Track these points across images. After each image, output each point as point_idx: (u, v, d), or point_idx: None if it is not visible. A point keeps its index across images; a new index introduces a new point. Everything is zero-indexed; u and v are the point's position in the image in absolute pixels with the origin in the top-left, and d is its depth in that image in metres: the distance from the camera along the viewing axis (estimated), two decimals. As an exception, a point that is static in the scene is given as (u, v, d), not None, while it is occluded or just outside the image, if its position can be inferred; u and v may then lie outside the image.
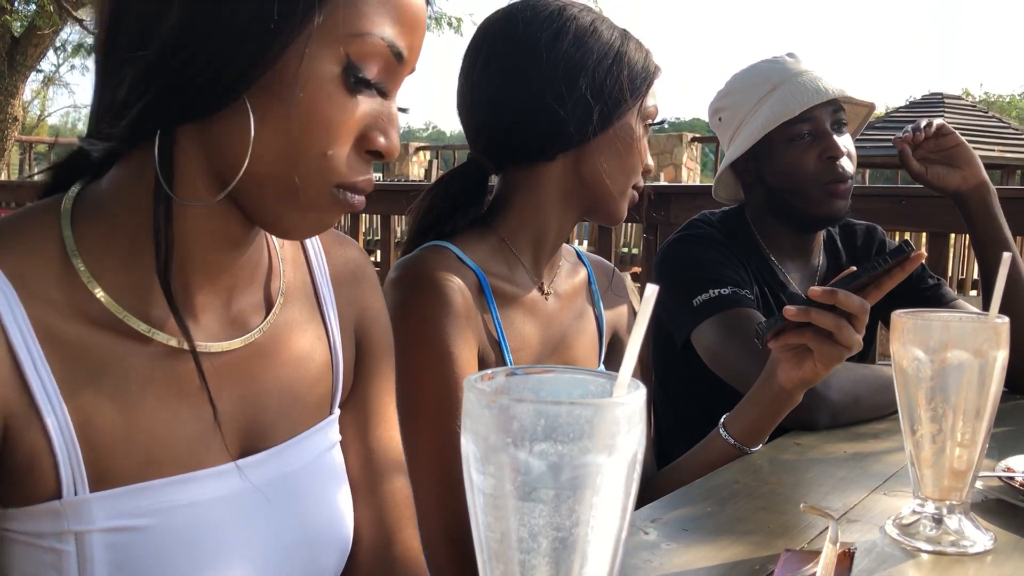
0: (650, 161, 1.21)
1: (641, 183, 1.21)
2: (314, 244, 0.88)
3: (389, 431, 0.90)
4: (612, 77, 1.13)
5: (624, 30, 1.18)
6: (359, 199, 0.72)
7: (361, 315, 0.90)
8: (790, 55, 1.64)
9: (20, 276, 0.67)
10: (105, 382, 0.69)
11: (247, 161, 0.66)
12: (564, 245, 1.29)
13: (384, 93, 0.71)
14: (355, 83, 0.68)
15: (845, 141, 1.58)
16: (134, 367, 0.70)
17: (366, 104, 0.69)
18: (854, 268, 1.10)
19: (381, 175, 11.93)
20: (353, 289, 0.89)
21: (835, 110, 1.58)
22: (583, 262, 1.35)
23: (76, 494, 0.67)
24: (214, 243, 0.72)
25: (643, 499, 1.08)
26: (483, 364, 1.12)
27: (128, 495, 0.68)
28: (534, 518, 0.49)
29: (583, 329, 1.28)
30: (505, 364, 1.13)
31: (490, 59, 1.16)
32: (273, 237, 0.82)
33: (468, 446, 0.51)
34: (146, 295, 0.71)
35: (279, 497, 0.78)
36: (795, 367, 1.11)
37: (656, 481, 1.28)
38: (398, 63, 0.70)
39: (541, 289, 1.22)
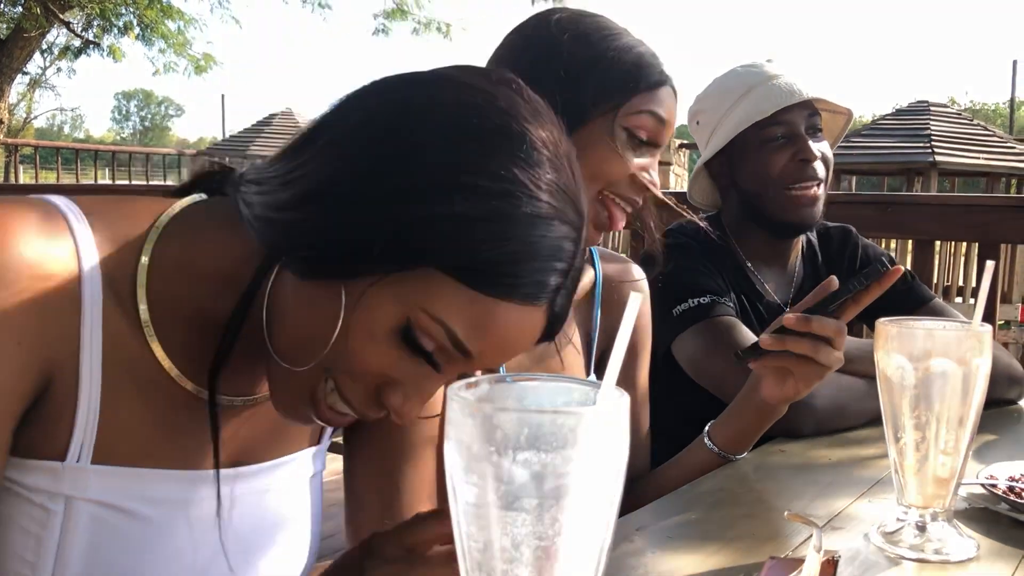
0: (650, 176, 1.12)
1: (621, 197, 1.13)
2: None
3: (421, 467, 0.92)
4: (583, 80, 1.10)
5: (624, 42, 1.13)
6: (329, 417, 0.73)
7: None
8: (768, 60, 1.65)
9: (108, 260, 0.72)
10: (138, 380, 0.73)
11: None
12: None
13: (435, 366, 0.69)
14: (405, 343, 0.67)
15: (820, 146, 1.58)
16: (162, 385, 0.75)
17: (407, 364, 0.69)
18: (834, 278, 1.10)
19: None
20: None
21: (810, 115, 1.58)
22: (593, 266, 1.31)
23: (79, 461, 0.71)
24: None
25: (629, 500, 1.08)
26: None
27: (125, 476, 0.72)
28: (517, 527, 0.49)
29: (570, 336, 1.27)
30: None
31: (494, 58, 1.18)
32: None
33: (451, 455, 0.50)
34: (192, 350, 0.75)
35: (251, 512, 0.82)
36: (777, 384, 1.12)
37: (640, 485, 1.28)
38: (457, 353, 0.68)
39: None
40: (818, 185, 1.58)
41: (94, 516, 0.71)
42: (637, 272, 1.35)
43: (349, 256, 0.66)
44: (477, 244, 0.65)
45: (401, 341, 0.67)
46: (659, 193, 1.14)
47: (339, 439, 0.96)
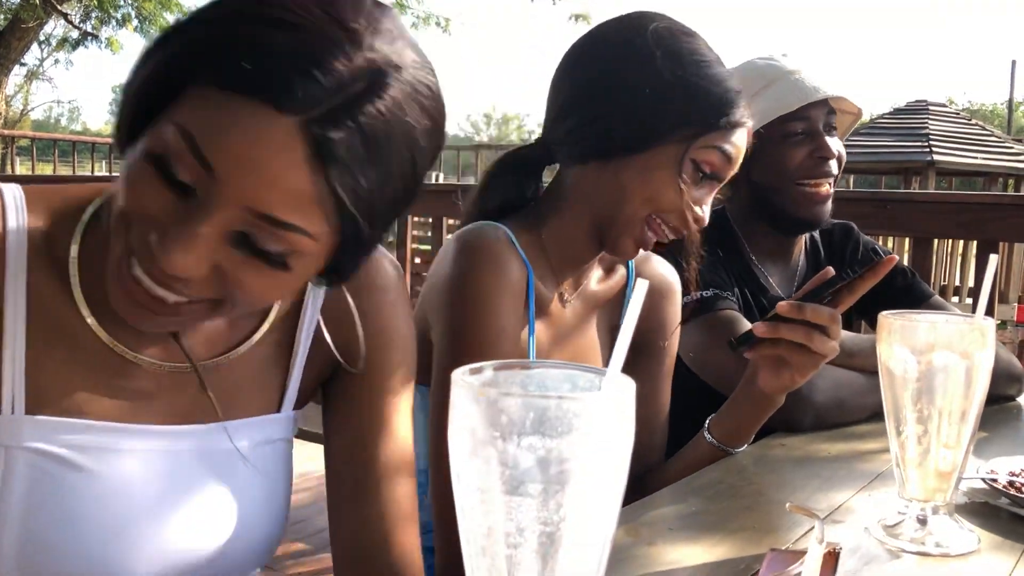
0: (700, 211, 1.11)
1: (668, 225, 1.12)
2: None
3: (397, 442, 0.89)
4: (667, 103, 1.08)
5: (714, 72, 1.10)
6: None
7: (368, 325, 0.87)
8: (783, 55, 1.65)
9: (37, 231, 0.76)
10: (66, 345, 0.77)
11: None
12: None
13: (181, 188, 0.66)
14: (153, 166, 0.65)
15: (835, 144, 1.59)
16: (91, 347, 0.77)
17: (161, 197, 0.67)
18: (830, 268, 1.11)
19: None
20: (359, 296, 0.87)
21: (828, 112, 1.58)
22: (627, 266, 1.30)
23: (13, 412, 0.74)
24: None
25: (638, 492, 1.08)
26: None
27: (61, 426, 0.75)
28: (521, 512, 0.48)
29: (593, 339, 1.26)
30: (530, 354, 1.12)
31: (579, 49, 1.16)
32: None
33: (455, 439, 0.50)
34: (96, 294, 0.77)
35: (204, 472, 0.82)
36: (774, 374, 1.12)
37: (649, 478, 1.27)
38: (199, 166, 0.65)
39: (561, 296, 1.21)
40: (831, 183, 1.58)
41: (30, 463, 0.74)
42: (670, 272, 1.33)
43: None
44: (215, 44, 0.64)
45: (151, 166, 0.65)
46: (703, 226, 1.13)
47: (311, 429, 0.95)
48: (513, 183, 1.20)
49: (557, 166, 1.20)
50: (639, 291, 0.54)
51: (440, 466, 1.06)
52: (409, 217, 3.96)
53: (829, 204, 1.60)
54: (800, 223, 1.62)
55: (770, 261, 1.67)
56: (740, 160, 1.13)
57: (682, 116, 1.08)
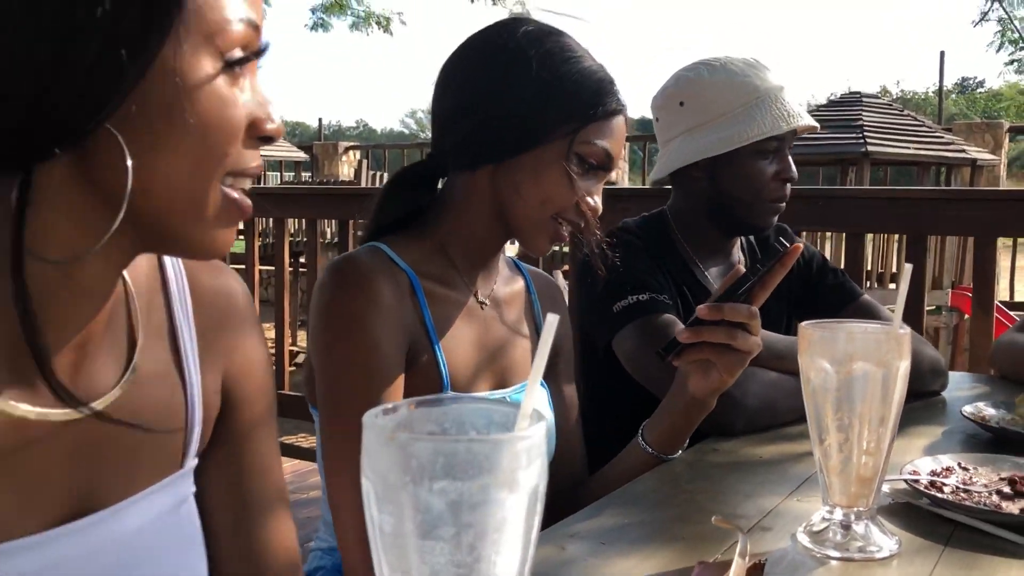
0: (593, 202, 1.17)
1: (568, 221, 1.17)
2: (177, 276, 0.79)
3: (271, 479, 0.85)
4: (546, 101, 1.12)
5: (586, 66, 1.15)
6: (247, 202, 0.67)
7: (232, 359, 0.82)
8: (756, 60, 1.66)
9: None
10: None
11: (128, 192, 0.60)
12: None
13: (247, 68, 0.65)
14: (234, 74, 0.63)
15: (792, 163, 1.64)
16: None
17: (247, 91, 0.65)
18: (740, 267, 1.14)
19: (310, 175, 11.76)
20: (222, 330, 0.81)
21: (792, 132, 1.62)
22: (521, 272, 1.34)
23: None
24: (72, 297, 0.64)
25: (571, 505, 1.09)
26: (415, 363, 1.11)
27: None
28: (435, 556, 0.48)
29: (518, 338, 1.28)
30: (438, 364, 1.13)
31: (456, 61, 1.19)
32: (127, 275, 0.73)
33: (368, 485, 0.50)
34: None
35: (113, 563, 0.70)
36: (703, 377, 1.14)
37: (582, 490, 1.29)
38: (256, 34, 0.65)
39: (476, 296, 1.22)
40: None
41: None
42: (548, 283, 1.39)
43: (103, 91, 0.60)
44: None
45: (232, 76, 0.63)
46: (598, 216, 1.19)
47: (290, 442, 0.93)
48: (410, 198, 1.22)
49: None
50: (550, 325, 0.54)
51: (333, 493, 1.07)
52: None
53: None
54: (753, 229, 1.68)
55: (710, 259, 1.70)
56: (622, 146, 1.20)
57: (560, 113, 1.13)
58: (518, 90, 1.13)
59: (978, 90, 54.52)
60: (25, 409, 0.63)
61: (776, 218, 1.66)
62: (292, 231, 5.59)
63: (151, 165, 0.61)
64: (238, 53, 0.64)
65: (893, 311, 0.95)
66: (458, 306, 1.19)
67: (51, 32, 0.57)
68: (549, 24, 1.19)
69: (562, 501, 1.20)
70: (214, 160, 0.63)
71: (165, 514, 0.75)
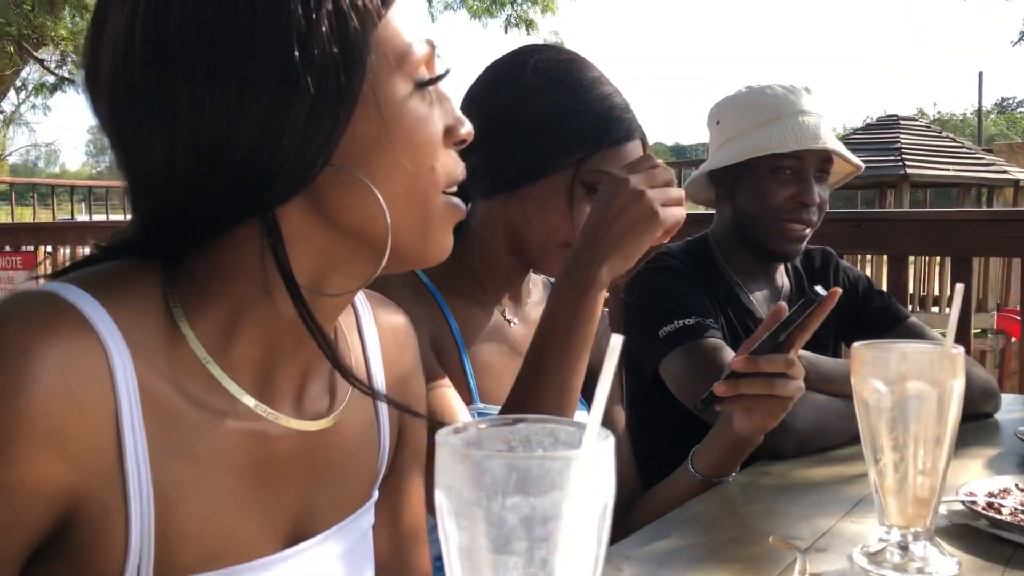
0: None
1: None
2: (365, 312, 0.84)
3: (420, 510, 0.88)
4: (549, 132, 1.13)
5: (595, 93, 1.15)
6: (460, 203, 0.73)
7: (405, 394, 0.85)
8: (806, 89, 1.68)
9: (131, 334, 0.63)
10: (195, 460, 0.65)
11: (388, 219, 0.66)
12: (532, 274, 1.30)
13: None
14: (426, 91, 0.68)
15: (821, 190, 1.63)
16: (223, 447, 0.67)
17: (435, 103, 0.70)
18: (783, 305, 1.12)
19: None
20: (399, 365, 0.85)
21: (824, 159, 1.62)
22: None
23: None
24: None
25: (623, 526, 1.09)
26: (445, 369, 1.11)
27: None
28: (508, 570, 0.50)
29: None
30: (466, 373, 1.14)
31: (475, 88, 1.22)
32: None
33: (442, 500, 0.51)
34: (246, 371, 0.68)
35: None
36: (746, 419, 1.15)
37: (632, 510, 1.29)
38: (433, 50, 0.70)
39: (504, 315, 1.23)
40: (808, 228, 1.62)
41: None
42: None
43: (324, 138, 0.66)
44: None
45: (425, 94, 0.69)
46: None
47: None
48: None
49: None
50: (614, 346, 0.56)
51: None
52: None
53: (804, 243, 1.65)
54: (771, 254, 1.66)
55: (753, 283, 1.70)
56: None
57: (565, 143, 1.13)
58: (525, 121, 1.15)
59: (1018, 110, 53.77)
60: (289, 421, 0.70)
61: (796, 247, 1.64)
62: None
63: (373, 193, 0.66)
64: (425, 73, 0.69)
65: (941, 333, 0.95)
66: (484, 320, 1.21)
67: (274, 101, 0.62)
68: (566, 50, 1.20)
69: (613, 522, 1.20)
70: (423, 175, 0.68)
71: (357, 542, 0.78)
